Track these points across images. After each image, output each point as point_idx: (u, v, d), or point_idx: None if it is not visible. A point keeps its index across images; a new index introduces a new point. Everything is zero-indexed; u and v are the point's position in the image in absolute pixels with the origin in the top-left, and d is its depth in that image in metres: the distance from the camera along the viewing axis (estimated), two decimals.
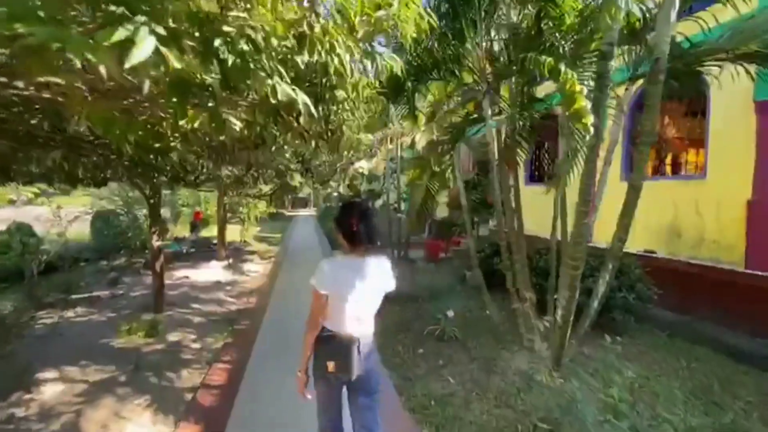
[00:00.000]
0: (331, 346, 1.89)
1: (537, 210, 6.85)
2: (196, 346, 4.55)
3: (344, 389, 2.03)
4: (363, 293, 1.89)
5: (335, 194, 13.20)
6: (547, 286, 4.24)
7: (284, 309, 5.78)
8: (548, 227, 4.35)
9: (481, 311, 5.63)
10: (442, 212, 14.34)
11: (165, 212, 14.36)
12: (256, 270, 9.04)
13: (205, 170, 4.98)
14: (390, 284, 2.03)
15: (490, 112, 3.53)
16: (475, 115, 3.92)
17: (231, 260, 9.97)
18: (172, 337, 4.79)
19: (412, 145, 9.01)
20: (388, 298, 2.08)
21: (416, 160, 5.13)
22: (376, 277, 1.94)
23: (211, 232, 14.66)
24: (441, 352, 4.23)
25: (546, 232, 4.60)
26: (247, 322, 5.27)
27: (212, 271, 8.75)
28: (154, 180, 5.04)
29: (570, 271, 2.91)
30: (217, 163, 3.37)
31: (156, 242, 5.77)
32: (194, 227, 12.10)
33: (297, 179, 8.50)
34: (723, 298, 4.96)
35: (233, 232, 14.76)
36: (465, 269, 7.79)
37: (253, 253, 11.61)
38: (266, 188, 9.39)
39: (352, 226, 1.87)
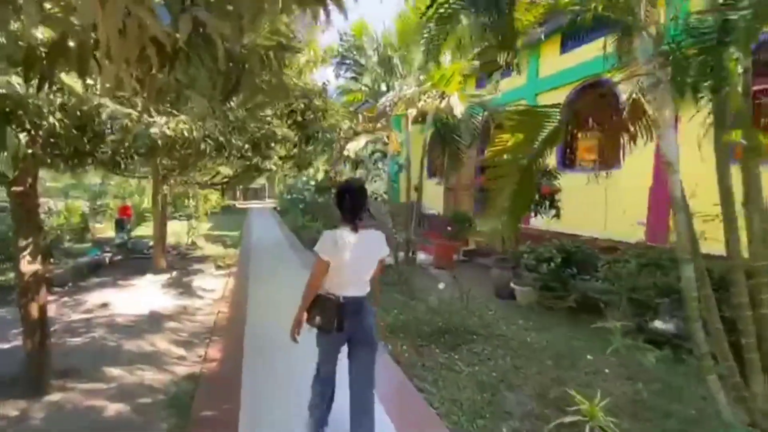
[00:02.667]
0: (326, 305, 2.16)
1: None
2: None
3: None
4: (359, 259, 2.16)
5: (312, 183, 10.69)
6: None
7: (279, 370, 3.42)
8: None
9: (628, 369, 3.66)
10: (433, 206, 12.39)
11: (83, 206, 11.02)
12: (212, 288, 6.45)
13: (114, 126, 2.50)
14: (384, 251, 2.31)
15: None
16: None
17: (174, 272, 7.25)
18: None
19: (422, 118, 6.85)
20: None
21: (523, 116, 2.94)
22: (370, 245, 2.23)
23: (148, 231, 11.55)
24: None
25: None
26: (214, 413, 2.87)
27: (146, 293, 6.05)
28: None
29: None
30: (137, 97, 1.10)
31: (29, 265, 3.14)
32: (121, 226, 9.05)
33: (274, 159, 6.04)
34: None
35: (177, 231, 11.76)
36: (510, 280, 5.81)
37: (205, 259, 8.86)
38: (225, 171, 6.72)
39: (344, 203, 2.19)
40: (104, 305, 5.37)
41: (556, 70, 7.67)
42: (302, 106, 3.40)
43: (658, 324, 4.02)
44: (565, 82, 7.52)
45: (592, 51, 7.23)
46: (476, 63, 5.42)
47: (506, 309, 5.34)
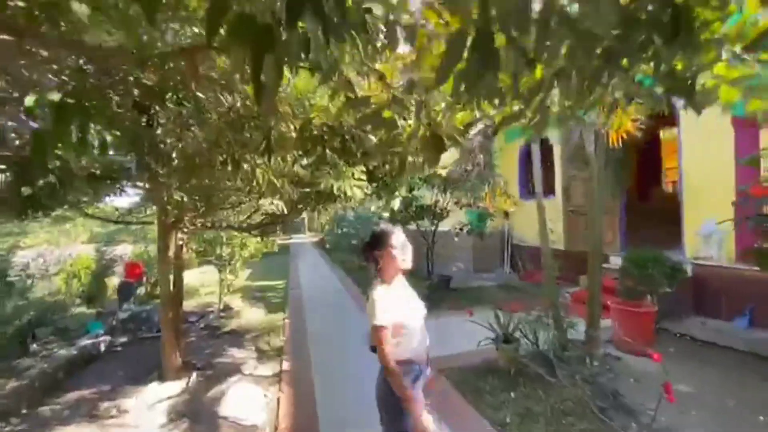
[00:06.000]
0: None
1: None
2: None
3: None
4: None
5: (384, 215, 7.93)
6: None
7: None
8: None
9: None
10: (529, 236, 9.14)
11: (94, 258, 8.70)
12: (254, 421, 3.54)
13: None
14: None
15: None
16: None
17: (193, 376, 4.44)
18: None
19: None
20: None
21: None
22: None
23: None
24: None
25: None
26: None
27: None
28: None
29: None
30: None
31: None
32: (127, 292, 6.48)
33: (352, 182, 3.28)
34: None
35: (207, 284, 9.22)
36: None
37: (242, 337, 6.07)
38: (271, 207, 3.82)
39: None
40: None
41: None
42: None
43: None
44: None
45: None
46: None
47: None
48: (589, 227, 3.98)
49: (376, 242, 1.88)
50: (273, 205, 3.02)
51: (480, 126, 3.58)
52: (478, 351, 4.32)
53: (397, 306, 1.81)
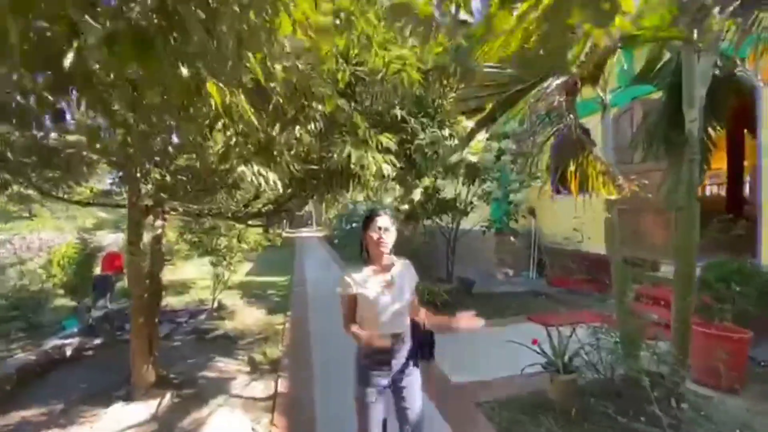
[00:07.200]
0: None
1: None
2: None
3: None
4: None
5: (405, 207, 6.99)
6: None
7: None
8: None
9: None
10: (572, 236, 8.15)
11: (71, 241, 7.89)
12: None
13: None
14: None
15: None
16: None
17: (167, 396, 3.58)
18: None
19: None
20: None
21: None
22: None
23: (170, 275, 8.26)
24: None
25: None
26: None
27: None
28: None
29: None
30: None
31: None
32: (103, 287, 5.66)
33: (378, 157, 2.33)
34: None
35: (204, 275, 8.41)
36: None
37: (234, 344, 5.21)
38: (249, 175, 2.80)
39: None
40: None
41: None
42: None
43: None
44: None
45: None
46: None
47: None
48: (679, 230, 3.01)
49: (363, 225, 1.96)
50: (260, 176, 2.12)
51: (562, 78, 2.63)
52: (521, 378, 3.44)
53: (362, 283, 1.93)
